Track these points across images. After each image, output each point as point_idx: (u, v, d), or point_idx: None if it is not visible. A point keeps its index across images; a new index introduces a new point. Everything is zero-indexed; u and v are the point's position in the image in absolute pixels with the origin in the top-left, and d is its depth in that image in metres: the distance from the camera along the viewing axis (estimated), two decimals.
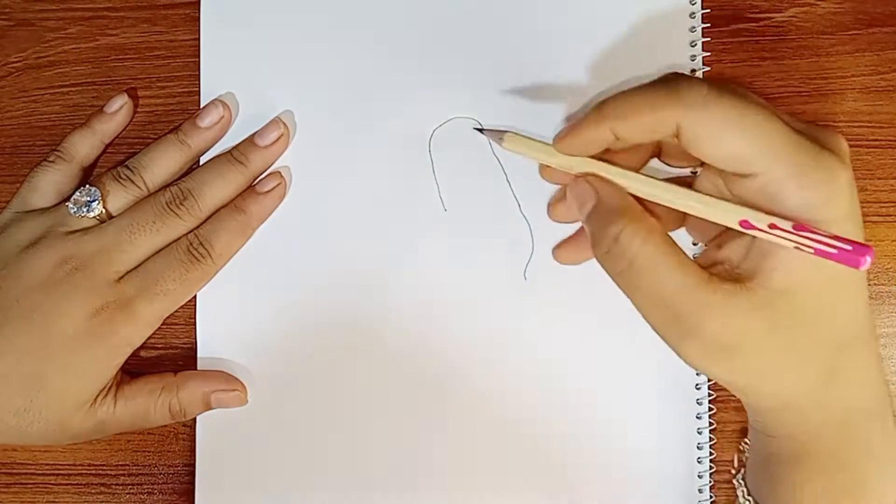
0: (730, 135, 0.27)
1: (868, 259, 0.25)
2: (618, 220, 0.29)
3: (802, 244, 0.26)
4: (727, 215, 0.28)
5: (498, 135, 0.34)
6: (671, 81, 0.28)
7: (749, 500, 0.33)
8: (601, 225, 0.29)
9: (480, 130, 0.37)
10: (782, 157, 0.27)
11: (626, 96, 0.29)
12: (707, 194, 0.30)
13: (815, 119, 0.38)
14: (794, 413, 0.30)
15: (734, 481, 0.35)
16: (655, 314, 0.28)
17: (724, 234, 0.30)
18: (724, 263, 0.29)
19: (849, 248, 0.25)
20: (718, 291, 0.27)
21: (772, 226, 0.27)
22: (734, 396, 0.36)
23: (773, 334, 0.27)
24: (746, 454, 0.36)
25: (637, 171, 0.31)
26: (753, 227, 0.27)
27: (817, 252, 0.26)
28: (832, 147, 0.28)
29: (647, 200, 0.31)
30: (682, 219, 0.34)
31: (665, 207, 0.30)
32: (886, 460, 0.30)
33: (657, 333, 0.29)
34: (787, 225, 0.27)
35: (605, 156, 0.31)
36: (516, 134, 0.34)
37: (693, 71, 0.38)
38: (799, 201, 0.27)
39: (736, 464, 0.38)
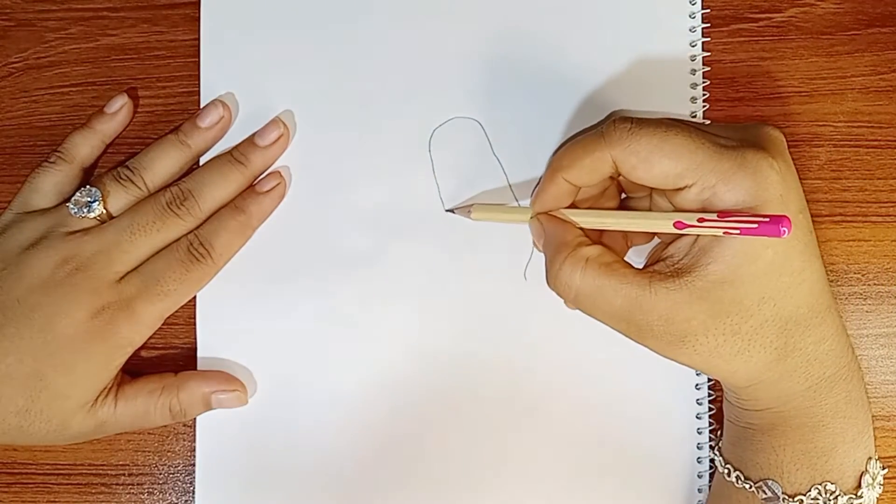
0: (657, 158, 0.31)
1: (785, 228, 0.28)
2: (557, 257, 0.33)
3: (729, 228, 0.29)
4: (662, 223, 0.32)
5: (466, 210, 0.38)
6: (603, 126, 0.33)
7: (729, 468, 0.35)
8: (548, 261, 0.33)
9: (451, 211, 0.39)
10: (708, 167, 0.30)
11: (567, 148, 0.34)
12: (640, 210, 0.35)
13: (815, 119, 0.38)
14: (761, 388, 0.33)
15: (710, 453, 0.37)
16: (617, 326, 0.32)
17: (672, 237, 0.33)
18: (666, 260, 0.32)
19: (766, 219, 0.28)
20: (660, 291, 0.31)
21: (700, 219, 0.30)
22: None
23: (717, 320, 0.31)
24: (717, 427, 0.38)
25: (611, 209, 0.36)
26: (686, 225, 0.30)
27: (743, 231, 0.29)
28: (762, 142, 0.32)
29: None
30: (650, 236, 0.37)
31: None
32: (856, 420, 0.33)
33: (627, 338, 0.33)
34: (713, 215, 0.30)
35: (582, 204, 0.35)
36: (482, 204, 0.38)
37: (693, 71, 0.38)
38: (731, 199, 0.30)
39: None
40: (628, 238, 0.37)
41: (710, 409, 0.38)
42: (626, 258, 0.33)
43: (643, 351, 0.38)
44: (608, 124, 0.32)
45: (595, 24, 0.39)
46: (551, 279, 0.33)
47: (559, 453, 0.38)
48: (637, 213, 0.33)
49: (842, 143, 0.39)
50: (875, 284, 0.38)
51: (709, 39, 0.39)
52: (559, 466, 0.38)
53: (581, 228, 0.34)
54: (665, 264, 0.32)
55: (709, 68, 0.39)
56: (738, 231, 0.29)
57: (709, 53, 0.39)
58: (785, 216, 0.28)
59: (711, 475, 0.38)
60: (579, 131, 0.39)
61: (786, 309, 0.31)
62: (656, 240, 0.37)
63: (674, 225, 0.31)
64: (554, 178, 0.34)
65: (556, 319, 0.38)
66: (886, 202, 0.38)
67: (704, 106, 0.38)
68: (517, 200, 0.39)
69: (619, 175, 0.33)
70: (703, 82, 0.38)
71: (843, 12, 0.39)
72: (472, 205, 0.38)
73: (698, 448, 0.38)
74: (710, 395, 0.38)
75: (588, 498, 0.38)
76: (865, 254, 0.38)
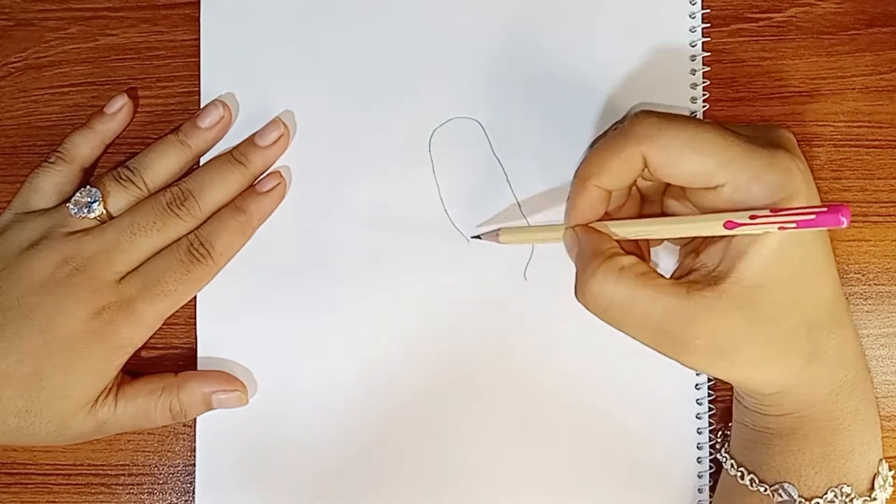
0: (688, 155, 0.30)
1: (844, 217, 0.27)
2: (590, 266, 0.31)
3: (785, 222, 0.28)
4: (711, 225, 0.30)
5: (493, 234, 0.37)
6: (624, 124, 0.32)
7: (742, 470, 0.34)
8: (579, 270, 0.32)
9: (478, 237, 0.38)
10: (739, 165, 0.29)
11: (593, 154, 0.33)
12: (659, 216, 0.34)
13: (815, 119, 0.38)
14: (787, 395, 0.32)
15: (718, 456, 0.37)
16: (650, 340, 0.31)
17: (700, 243, 0.33)
18: (700, 269, 0.31)
19: (825, 209, 0.27)
20: (698, 302, 0.29)
21: (752, 216, 0.29)
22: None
23: (755, 328, 0.30)
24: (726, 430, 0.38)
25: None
26: (737, 224, 0.29)
27: (800, 224, 0.28)
28: (780, 142, 0.31)
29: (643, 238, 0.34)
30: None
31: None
32: (871, 422, 0.34)
33: (658, 352, 0.31)
34: (765, 211, 0.29)
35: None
36: (509, 227, 0.38)
37: (693, 71, 0.38)
38: (763, 198, 0.29)
39: (720, 439, 0.38)
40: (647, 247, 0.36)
41: (711, 410, 0.38)
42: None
43: (643, 351, 0.38)
44: (631, 119, 0.31)
45: (595, 24, 0.39)
46: (582, 288, 0.31)
47: (559, 453, 0.38)
48: (682, 217, 0.32)
49: (842, 142, 0.38)
50: (875, 284, 0.38)
51: (709, 39, 0.39)
52: (559, 466, 0.38)
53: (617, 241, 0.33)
54: (700, 273, 0.31)
55: (709, 68, 0.39)
56: (794, 224, 0.28)
57: (709, 53, 0.39)
58: (844, 204, 0.27)
59: (712, 475, 0.38)
60: (595, 138, 0.38)
61: (809, 311, 0.31)
62: (664, 245, 0.37)
63: (724, 225, 0.29)
64: (584, 186, 0.33)
65: (556, 319, 0.38)
66: (887, 202, 0.38)
67: (704, 106, 0.38)
68: (517, 200, 0.39)
69: (638, 178, 0.32)
70: (703, 82, 0.38)
71: (843, 12, 0.39)
72: (500, 228, 0.37)
73: (698, 448, 0.38)
74: (710, 395, 0.38)
75: (588, 498, 0.38)
76: (866, 254, 0.38)
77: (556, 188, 0.38)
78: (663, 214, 0.35)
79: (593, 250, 0.32)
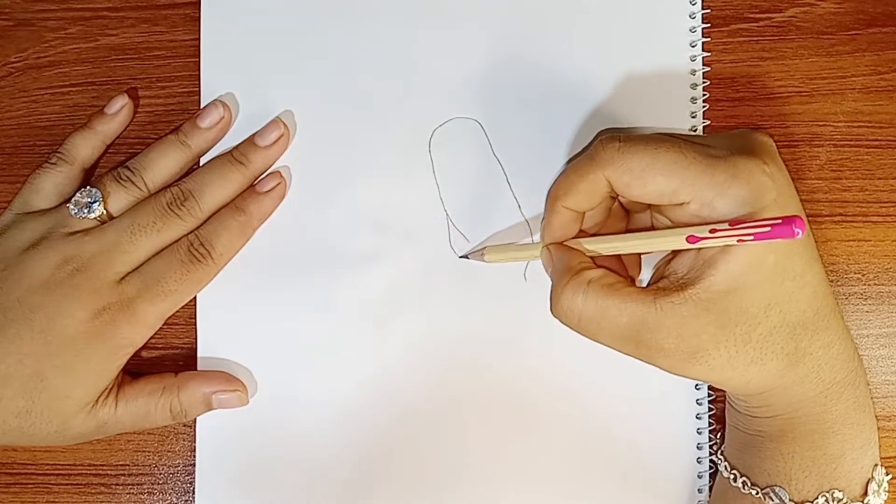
0: (650, 176, 0.31)
1: (799, 228, 0.27)
2: (560, 282, 0.32)
3: (743, 235, 0.29)
4: (674, 240, 0.31)
5: (479, 254, 0.38)
6: (591, 148, 0.33)
7: (735, 473, 0.35)
8: (552, 287, 0.33)
9: (465, 257, 0.39)
10: (702, 182, 0.30)
11: (561, 176, 0.34)
12: (648, 229, 0.34)
13: (815, 119, 0.38)
14: (773, 395, 0.32)
15: (714, 458, 0.37)
16: (623, 347, 0.32)
17: (673, 252, 0.33)
18: (670, 276, 0.32)
19: (778, 221, 0.28)
20: (665, 306, 0.30)
21: (712, 230, 0.30)
22: None
23: (726, 331, 0.30)
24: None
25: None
26: (699, 238, 0.30)
27: (756, 236, 0.28)
28: (754, 148, 0.31)
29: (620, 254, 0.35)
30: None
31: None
32: (863, 427, 0.33)
33: (635, 359, 0.32)
34: (724, 225, 0.29)
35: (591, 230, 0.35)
36: (493, 246, 0.38)
37: (693, 71, 0.38)
38: (729, 212, 0.30)
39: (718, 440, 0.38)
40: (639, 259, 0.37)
41: (710, 410, 0.38)
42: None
43: None
44: (596, 145, 0.32)
45: (595, 25, 0.39)
46: (554, 304, 0.33)
47: (559, 454, 0.38)
48: (648, 233, 0.33)
49: (842, 143, 0.38)
50: (875, 284, 0.38)
51: (709, 39, 0.39)
52: (559, 467, 0.38)
53: (592, 257, 0.34)
54: (669, 280, 0.31)
55: (709, 68, 0.39)
56: (751, 237, 0.28)
57: (709, 53, 0.39)
58: (797, 216, 0.28)
59: (712, 475, 0.38)
60: (568, 160, 0.38)
61: (792, 314, 0.31)
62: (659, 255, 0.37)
63: (686, 239, 0.30)
64: (554, 207, 0.34)
65: (555, 320, 0.38)
66: (887, 202, 0.38)
67: (704, 106, 0.38)
68: (517, 200, 0.39)
69: (618, 195, 0.33)
70: (704, 82, 0.38)
71: (843, 12, 0.39)
72: (485, 248, 0.38)
73: (698, 448, 0.38)
74: (709, 395, 0.38)
75: (588, 498, 0.38)
76: (866, 254, 0.38)
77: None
78: (652, 229, 0.35)
79: (564, 267, 0.33)
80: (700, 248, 0.31)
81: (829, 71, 0.39)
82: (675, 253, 0.33)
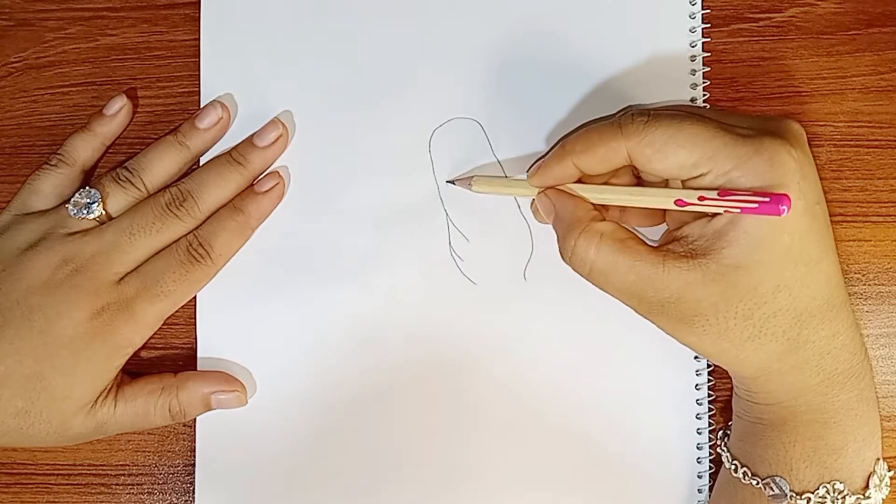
0: (672, 149, 0.31)
1: (784, 206, 0.28)
2: (571, 233, 0.33)
3: (730, 207, 0.29)
4: (663, 199, 0.32)
5: (466, 182, 0.37)
6: (619, 118, 0.33)
7: (736, 464, 0.35)
8: (561, 236, 0.34)
9: (452, 182, 0.39)
10: (722, 154, 0.30)
11: (582, 133, 0.33)
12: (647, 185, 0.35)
13: (815, 119, 0.38)
14: (771, 379, 0.32)
15: (717, 449, 0.37)
16: (626, 300, 0.33)
17: (687, 216, 0.33)
18: (681, 240, 0.32)
19: (767, 199, 0.28)
20: (672, 270, 0.31)
21: (701, 197, 0.30)
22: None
23: (729, 304, 0.31)
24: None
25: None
26: (687, 203, 0.31)
27: (743, 210, 0.29)
28: (782, 132, 0.31)
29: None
30: (661, 215, 0.36)
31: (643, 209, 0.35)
32: (866, 419, 0.33)
33: (637, 313, 0.33)
34: (713, 193, 0.30)
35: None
36: (482, 176, 0.38)
37: (693, 71, 0.38)
38: (747, 184, 0.30)
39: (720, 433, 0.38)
40: (655, 216, 0.36)
41: (710, 410, 0.38)
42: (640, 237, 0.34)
43: (644, 351, 0.38)
44: (625, 116, 0.32)
45: (595, 25, 0.39)
46: (566, 254, 0.33)
47: (559, 453, 0.38)
48: (639, 188, 0.33)
49: (842, 143, 0.38)
50: (875, 284, 0.38)
51: (709, 39, 0.39)
52: (559, 466, 0.38)
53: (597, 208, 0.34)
54: (679, 244, 0.32)
55: (709, 68, 0.39)
56: (738, 209, 0.29)
57: (709, 53, 0.39)
58: (785, 195, 0.28)
59: (711, 475, 0.38)
60: (590, 120, 0.38)
61: (801, 299, 0.31)
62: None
63: (675, 202, 0.31)
64: (563, 160, 0.34)
65: (555, 319, 0.38)
66: (887, 202, 0.38)
67: (704, 106, 0.38)
68: (517, 200, 0.39)
69: (638, 171, 0.33)
70: (704, 82, 0.38)
71: (843, 12, 0.39)
72: (474, 176, 0.38)
73: (698, 448, 0.38)
74: (710, 395, 0.38)
75: (588, 497, 0.38)
76: (866, 254, 0.38)
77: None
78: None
79: (572, 217, 0.33)
80: (712, 217, 0.31)
81: (829, 71, 0.39)
82: (688, 218, 0.33)
